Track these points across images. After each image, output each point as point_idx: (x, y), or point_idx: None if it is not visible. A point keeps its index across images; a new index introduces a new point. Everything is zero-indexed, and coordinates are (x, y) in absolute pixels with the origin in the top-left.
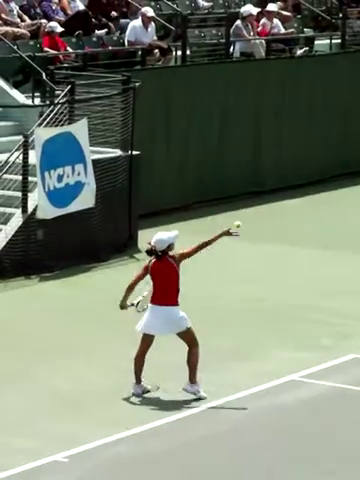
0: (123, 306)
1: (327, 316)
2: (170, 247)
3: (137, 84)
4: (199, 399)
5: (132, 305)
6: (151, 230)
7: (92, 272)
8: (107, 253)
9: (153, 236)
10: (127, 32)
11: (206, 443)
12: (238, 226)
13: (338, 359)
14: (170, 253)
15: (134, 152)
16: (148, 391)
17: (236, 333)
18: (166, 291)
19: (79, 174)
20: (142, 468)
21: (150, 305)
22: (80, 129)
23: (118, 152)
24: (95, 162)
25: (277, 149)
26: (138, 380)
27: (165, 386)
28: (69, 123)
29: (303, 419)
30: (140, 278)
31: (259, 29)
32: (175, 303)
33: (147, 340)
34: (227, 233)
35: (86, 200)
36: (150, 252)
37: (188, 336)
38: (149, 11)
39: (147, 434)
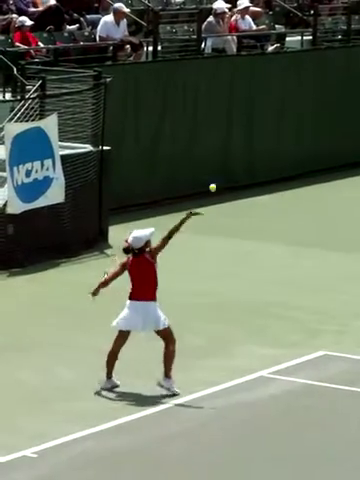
0: (94, 293)
1: (298, 313)
2: (147, 244)
3: (108, 79)
4: (173, 395)
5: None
6: (121, 225)
7: (62, 267)
8: (77, 248)
9: (129, 234)
10: (98, 27)
11: (173, 440)
12: (213, 188)
13: (308, 355)
14: (147, 250)
15: (105, 147)
16: (117, 386)
17: (206, 329)
18: (144, 287)
19: (48, 169)
20: (109, 464)
21: (128, 302)
22: (50, 124)
23: (89, 147)
24: (66, 157)
25: (248, 145)
26: (109, 375)
27: (134, 382)
28: (40, 118)
29: (272, 416)
30: (117, 274)
31: (230, 25)
32: (153, 298)
33: (124, 336)
34: (190, 215)
35: (55, 195)
36: (127, 250)
37: (165, 333)
38: (123, 7)
39: (115, 430)
